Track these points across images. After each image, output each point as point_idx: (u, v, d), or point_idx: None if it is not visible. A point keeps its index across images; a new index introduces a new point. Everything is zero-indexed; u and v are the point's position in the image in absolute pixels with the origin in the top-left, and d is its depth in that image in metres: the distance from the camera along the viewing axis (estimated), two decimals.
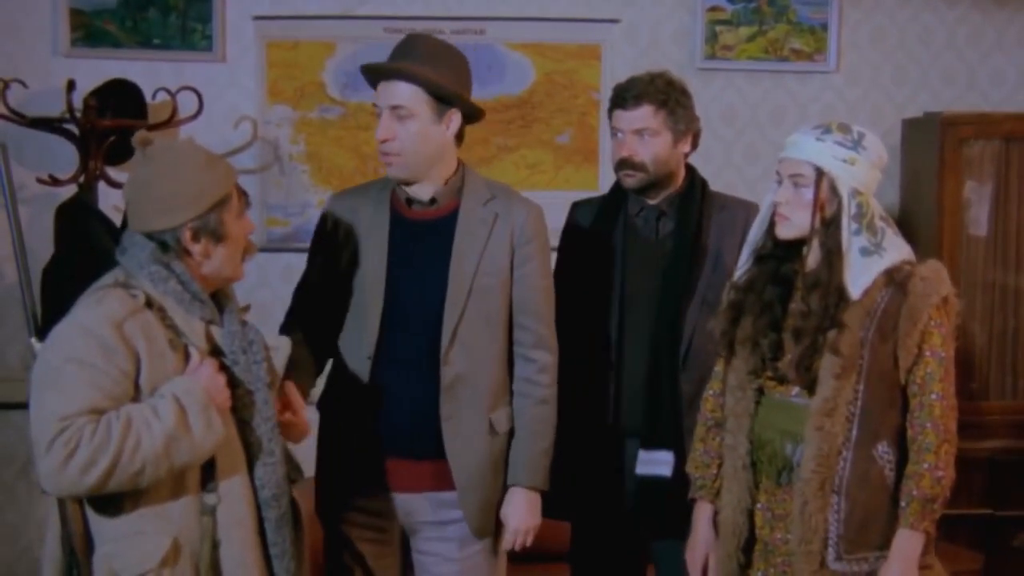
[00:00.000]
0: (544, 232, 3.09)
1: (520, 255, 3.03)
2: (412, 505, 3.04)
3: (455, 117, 2.98)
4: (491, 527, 3.07)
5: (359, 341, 3.01)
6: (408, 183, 3.01)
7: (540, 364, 3.06)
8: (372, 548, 3.08)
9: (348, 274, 3.04)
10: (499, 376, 3.05)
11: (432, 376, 2.96)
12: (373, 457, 3.00)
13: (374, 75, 3.00)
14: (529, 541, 3.07)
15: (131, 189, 2.60)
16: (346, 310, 3.05)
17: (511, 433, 3.07)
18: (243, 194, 2.65)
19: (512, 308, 3.04)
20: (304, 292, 3.16)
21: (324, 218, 3.14)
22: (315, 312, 3.10)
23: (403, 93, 2.92)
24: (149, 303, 2.49)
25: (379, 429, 2.99)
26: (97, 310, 2.46)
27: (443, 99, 2.94)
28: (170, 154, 2.60)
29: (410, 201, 3.04)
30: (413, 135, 2.93)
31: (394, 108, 2.92)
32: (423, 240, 3.02)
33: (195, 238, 2.54)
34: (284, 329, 3.10)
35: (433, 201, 3.02)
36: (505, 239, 3.02)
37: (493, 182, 3.16)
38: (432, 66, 2.92)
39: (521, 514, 3.04)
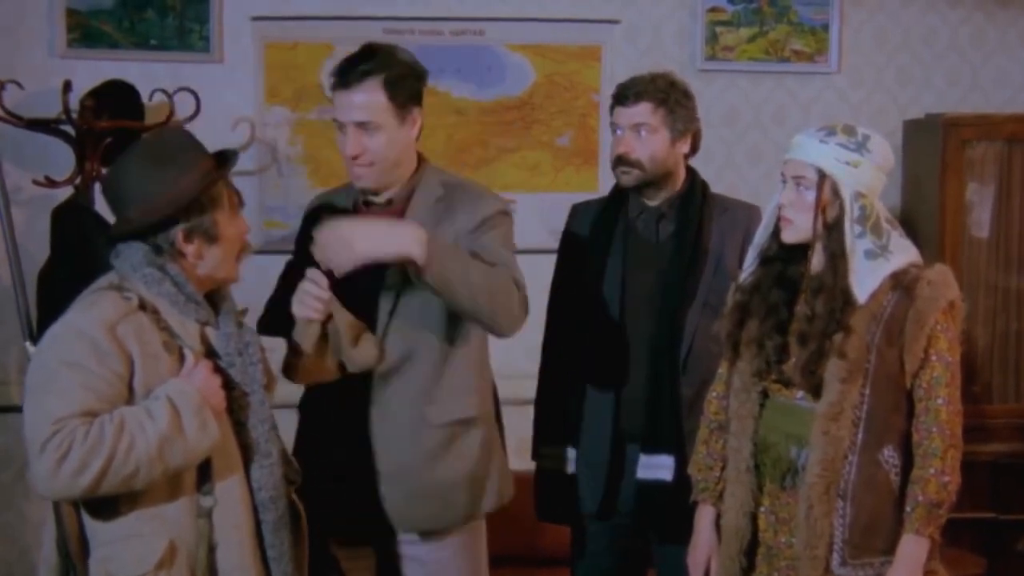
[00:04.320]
0: (494, 223, 2.95)
1: (465, 243, 2.90)
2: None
3: (418, 117, 2.96)
4: (416, 522, 2.97)
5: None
6: (377, 192, 2.99)
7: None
8: (345, 551, 3.04)
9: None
10: (439, 368, 2.94)
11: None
12: (351, 471, 2.94)
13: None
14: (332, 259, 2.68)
15: None
16: None
17: (446, 428, 2.96)
18: (236, 193, 2.62)
19: None
20: (271, 304, 3.06)
21: (302, 224, 3.12)
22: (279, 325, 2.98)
23: (365, 107, 2.88)
24: (143, 305, 2.48)
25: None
26: (90, 313, 2.44)
27: (404, 101, 2.91)
28: None
29: (367, 202, 3.01)
30: (383, 146, 2.91)
31: (360, 124, 2.89)
32: None
33: (188, 239, 2.52)
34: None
35: (390, 202, 2.99)
36: (449, 236, 2.90)
37: (451, 179, 3.07)
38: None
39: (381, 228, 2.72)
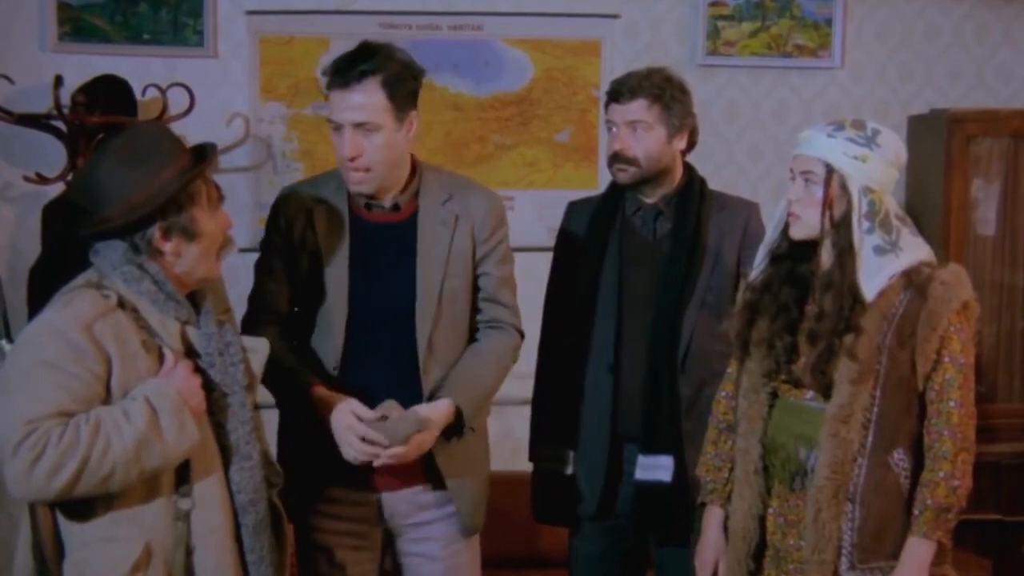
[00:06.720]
0: (504, 222, 3.08)
1: (481, 251, 3.01)
2: (394, 507, 2.99)
3: (414, 119, 2.92)
4: (481, 522, 3.06)
5: (324, 351, 2.95)
6: (375, 197, 2.95)
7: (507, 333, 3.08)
8: (352, 555, 3.01)
9: (309, 279, 2.96)
10: None
11: (408, 380, 2.91)
12: (348, 464, 2.90)
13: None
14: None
15: None
16: (310, 315, 2.97)
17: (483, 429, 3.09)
18: (216, 188, 2.58)
19: (476, 303, 3.04)
20: (263, 301, 3.02)
21: (276, 216, 3.03)
22: (278, 323, 2.99)
23: (364, 107, 2.83)
24: (122, 304, 2.44)
25: None
26: (66, 312, 2.40)
27: (403, 102, 2.86)
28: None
29: (369, 205, 2.97)
30: (380, 148, 2.86)
31: (358, 125, 2.83)
32: (385, 245, 2.96)
33: (166, 237, 2.48)
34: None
35: (396, 207, 2.96)
36: (467, 238, 2.98)
37: (448, 176, 3.09)
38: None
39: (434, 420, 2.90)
